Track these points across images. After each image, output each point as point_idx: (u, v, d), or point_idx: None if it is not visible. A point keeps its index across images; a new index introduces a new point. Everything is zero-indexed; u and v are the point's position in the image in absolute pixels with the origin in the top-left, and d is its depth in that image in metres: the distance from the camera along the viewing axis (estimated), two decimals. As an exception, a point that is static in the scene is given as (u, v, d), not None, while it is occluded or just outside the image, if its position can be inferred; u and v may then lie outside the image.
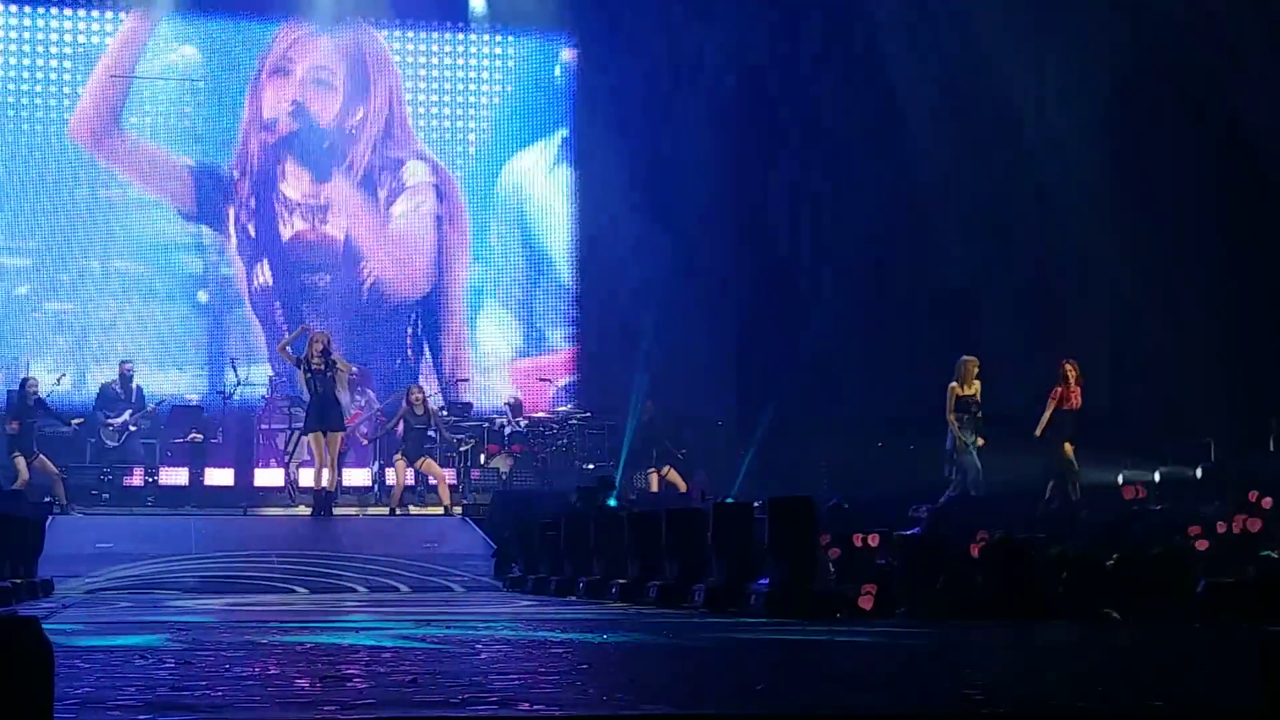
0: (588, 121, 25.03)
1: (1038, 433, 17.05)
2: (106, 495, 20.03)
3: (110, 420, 20.78)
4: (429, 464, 19.97)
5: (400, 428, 20.19)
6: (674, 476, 21.31)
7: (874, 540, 10.94)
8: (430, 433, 20.28)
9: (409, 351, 24.58)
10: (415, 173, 24.65)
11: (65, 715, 4.52)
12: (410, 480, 20.15)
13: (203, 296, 23.86)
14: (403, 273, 24.54)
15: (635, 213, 23.46)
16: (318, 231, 24.20)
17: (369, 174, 24.41)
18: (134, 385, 21.38)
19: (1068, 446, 16.89)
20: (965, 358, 17.69)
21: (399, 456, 19.76)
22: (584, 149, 25.07)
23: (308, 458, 19.10)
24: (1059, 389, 17.02)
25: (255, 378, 22.45)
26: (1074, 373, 17.09)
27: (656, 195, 23.52)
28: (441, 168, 24.88)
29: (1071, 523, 14.35)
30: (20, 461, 19.03)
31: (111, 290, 23.47)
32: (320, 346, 18.02)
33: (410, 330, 24.66)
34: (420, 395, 20.12)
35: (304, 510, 19.16)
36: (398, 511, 19.36)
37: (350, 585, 14.39)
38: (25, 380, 19.76)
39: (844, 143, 22.67)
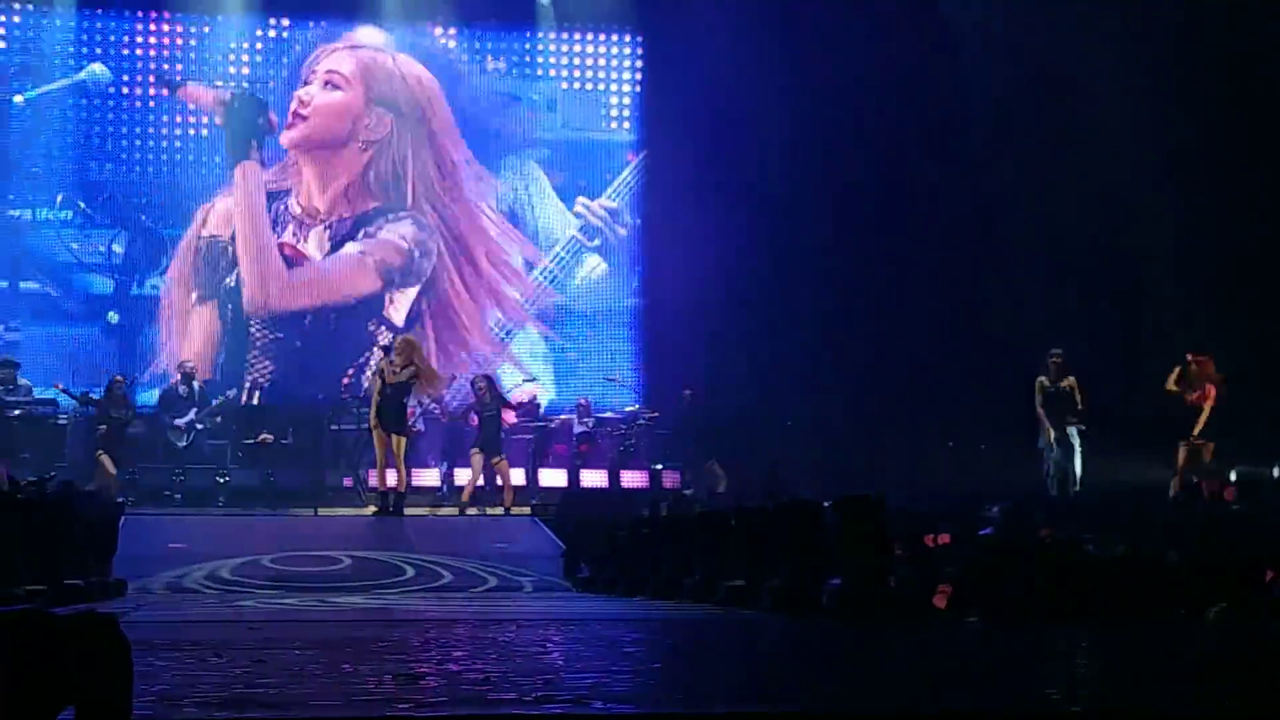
0: (653, 117, 25.03)
1: (1195, 432, 17.11)
2: (178, 496, 20.21)
3: (176, 421, 20.97)
4: (502, 465, 19.95)
5: (475, 420, 20.22)
6: (717, 469, 21.14)
7: (944, 539, 10.87)
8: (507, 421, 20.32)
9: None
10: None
11: (143, 712, 4.54)
12: (482, 480, 20.13)
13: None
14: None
15: (703, 209, 23.39)
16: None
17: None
18: (196, 385, 21.54)
19: (1208, 446, 16.90)
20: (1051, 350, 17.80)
21: (475, 451, 19.77)
22: (650, 143, 25.07)
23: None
24: (1210, 388, 17.00)
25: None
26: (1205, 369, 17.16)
27: (724, 191, 23.47)
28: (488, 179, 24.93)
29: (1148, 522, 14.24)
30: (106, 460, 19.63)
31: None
32: (402, 352, 18.10)
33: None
34: (485, 383, 20.11)
35: (373, 510, 19.23)
36: (468, 511, 19.36)
37: (420, 584, 14.42)
38: (111, 379, 20.31)
39: (912, 143, 22.56)
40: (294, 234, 24.09)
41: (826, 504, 11.26)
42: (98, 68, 23.96)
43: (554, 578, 15.26)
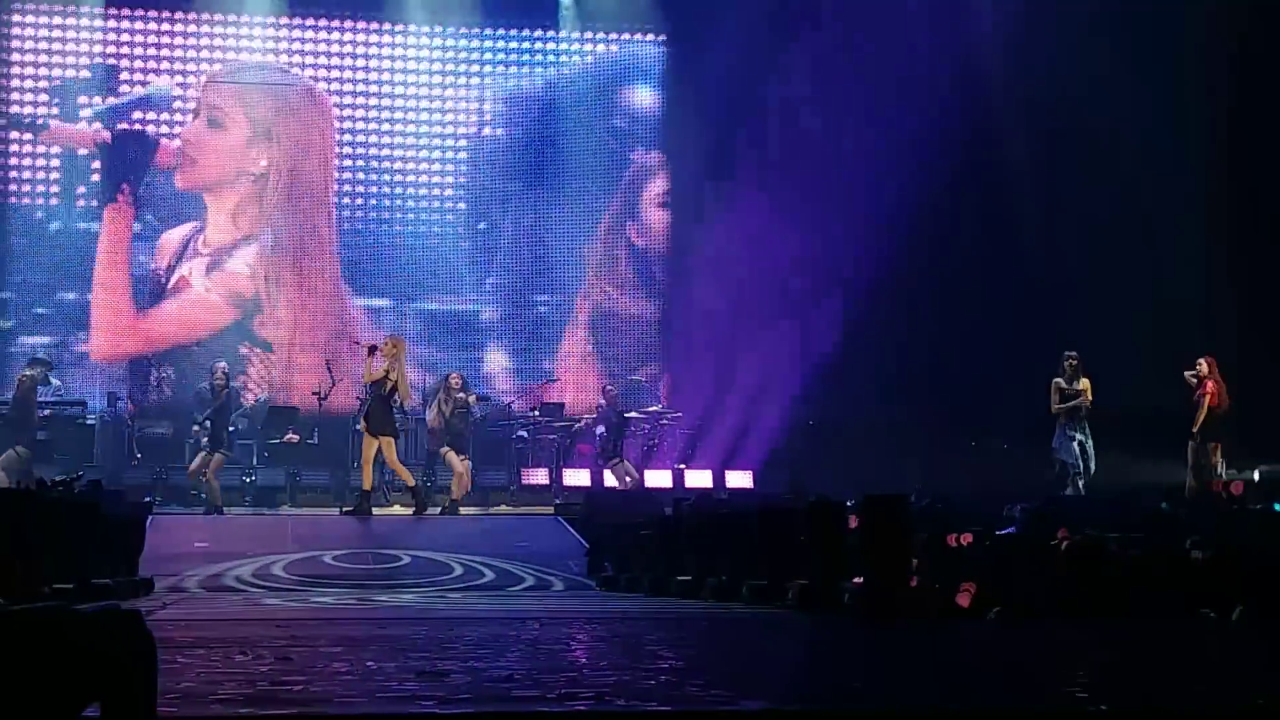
0: (675, 120, 25.03)
1: (1194, 429, 17.19)
2: (205, 495, 20.28)
3: (204, 421, 21.04)
4: (466, 462, 19.72)
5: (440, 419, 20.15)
6: (628, 468, 21.13)
7: (966, 539, 10.85)
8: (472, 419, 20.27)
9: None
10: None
11: (167, 708, 4.58)
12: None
13: None
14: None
15: (723, 210, 23.39)
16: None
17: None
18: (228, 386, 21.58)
19: (1214, 445, 16.90)
20: (1066, 353, 17.85)
21: (447, 450, 19.67)
22: (671, 146, 25.08)
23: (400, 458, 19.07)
24: (1210, 385, 17.04)
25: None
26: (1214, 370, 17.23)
27: (745, 191, 23.46)
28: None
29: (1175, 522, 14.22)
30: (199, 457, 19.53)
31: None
32: (387, 354, 18.03)
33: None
34: (459, 381, 20.02)
35: (399, 509, 19.28)
36: (460, 511, 19.18)
37: (444, 583, 14.46)
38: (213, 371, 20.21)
39: (933, 148, 22.51)
40: (189, 268, 24.05)
41: (850, 503, 11.28)
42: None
43: (579, 576, 15.28)
